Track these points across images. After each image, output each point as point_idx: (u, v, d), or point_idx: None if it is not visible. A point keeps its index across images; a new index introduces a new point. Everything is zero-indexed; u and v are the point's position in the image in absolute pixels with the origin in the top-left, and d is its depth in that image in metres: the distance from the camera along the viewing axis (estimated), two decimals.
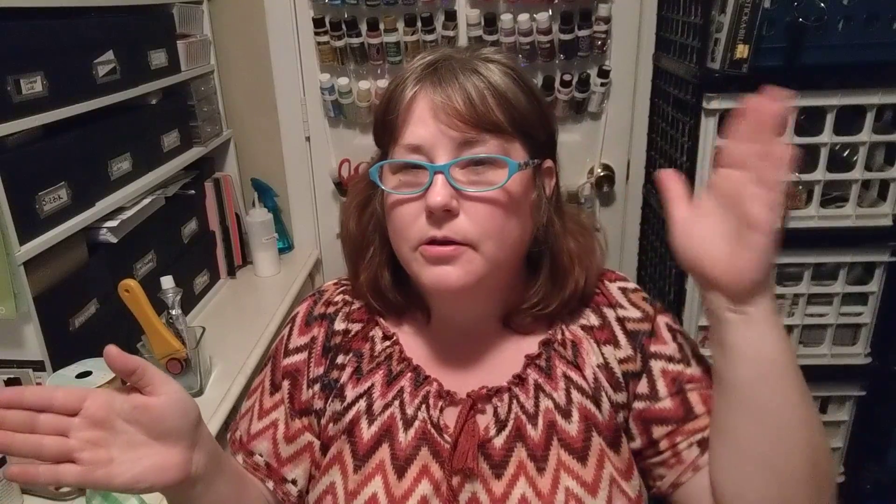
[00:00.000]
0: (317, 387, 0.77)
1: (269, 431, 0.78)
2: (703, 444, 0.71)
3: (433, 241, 0.66)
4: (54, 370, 1.07)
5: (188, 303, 1.59)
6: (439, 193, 0.64)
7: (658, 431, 0.73)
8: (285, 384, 0.78)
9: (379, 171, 0.71)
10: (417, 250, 0.68)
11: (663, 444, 0.73)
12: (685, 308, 1.53)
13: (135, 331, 1.23)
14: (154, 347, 1.23)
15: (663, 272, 1.71)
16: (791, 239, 1.43)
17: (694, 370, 0.75)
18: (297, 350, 0.79)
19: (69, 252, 1.17)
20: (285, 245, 1.97)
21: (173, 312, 1.30)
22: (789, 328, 1.52)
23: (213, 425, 1.20)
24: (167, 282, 1.32)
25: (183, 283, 1.44)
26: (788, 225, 1.43)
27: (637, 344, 0.75)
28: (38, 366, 1.07)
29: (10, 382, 1.07)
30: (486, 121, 0.65)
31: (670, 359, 0.75)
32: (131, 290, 1.18)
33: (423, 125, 0.66)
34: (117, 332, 1.26)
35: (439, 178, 0.65)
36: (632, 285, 0.80)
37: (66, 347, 1.11)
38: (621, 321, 0.76)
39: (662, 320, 0.77)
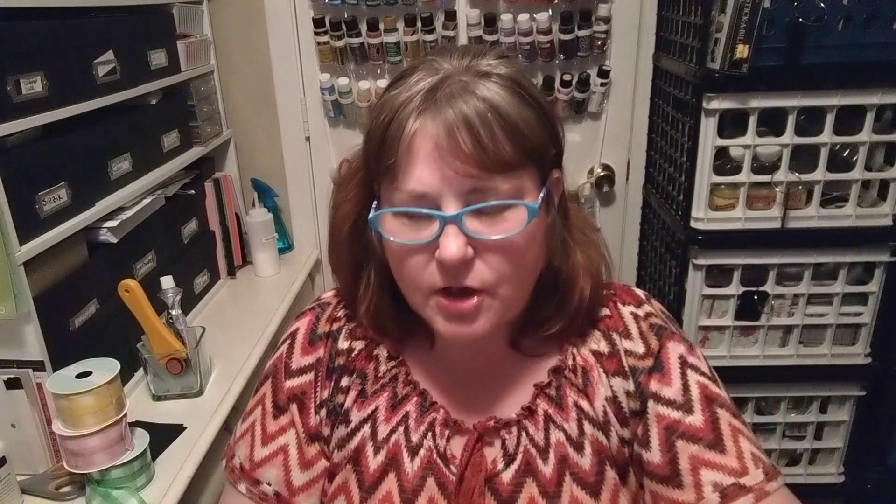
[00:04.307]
0: (323, 412, 0.73)
1: (279, 458, 0.73)
2: None
3: (448, 290, 0.62)
4: (54, 370, 1.07)
5: (188, 303, 1.59)
6: (454, 245, 0.58)
7: (647, 484, 0.69)
8: (293, 407, 0.74)
9: (376, 208, 0.66)
10: (431, 298, 0.63)
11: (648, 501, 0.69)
12: (685, 308, 1.53)
13: (135, 331, 1.23)
14: (154, 347, 1.23)
15: (663, 272, 1.71)
16: (791, 239, 1.45)
17: (695, 419, 0.67)
18: (302, 371, 0.75)
19: (69, 252, 1.17)
20: (285, 245, 1.97)
21: (173, 312, 1.30)
22: (789, 328, 1.53)
23: (213, 426, 1.20)
24: (167, 282, 1.33)
25: (183, 283, 1.44)
26: (789, 225, 1.43)
27: (636, 381, 0.70)
28: (38, 366, 1.07)
29: (10, 382, 1.07)
30: (496, 160, 0.58)
31: (670, 403, 0.68)
32: (131, 290, 1.18)
33: (427, 169, 0.59)
34: (117, 332, 1.26)
35: (451, 229, 0.59)
36: (644, 310, 0.73)
37: (66, 347, 1.11)
38: (628, 353, 0.71)
39: (675, 351, 0.70)
